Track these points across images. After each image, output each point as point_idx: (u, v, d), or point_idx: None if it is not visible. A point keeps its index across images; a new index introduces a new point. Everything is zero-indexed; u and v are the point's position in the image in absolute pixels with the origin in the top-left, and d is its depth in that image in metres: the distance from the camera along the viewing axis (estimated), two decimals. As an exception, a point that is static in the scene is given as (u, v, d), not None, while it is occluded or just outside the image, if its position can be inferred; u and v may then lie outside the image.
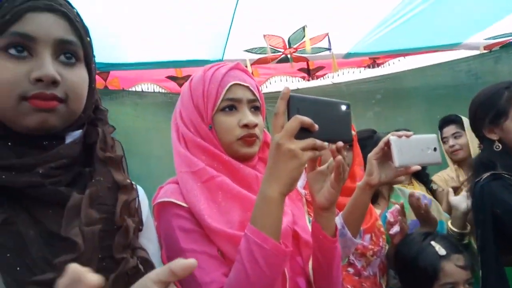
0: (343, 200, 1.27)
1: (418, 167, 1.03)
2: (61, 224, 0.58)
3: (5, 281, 0.54)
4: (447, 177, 2.26)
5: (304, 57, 3.10)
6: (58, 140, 0.64)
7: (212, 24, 2.44)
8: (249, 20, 2.47)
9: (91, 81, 0.69)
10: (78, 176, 0.65)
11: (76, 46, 0.65)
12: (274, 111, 0.71)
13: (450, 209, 1.72)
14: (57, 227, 0.58)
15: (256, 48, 2.89)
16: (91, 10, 0.64)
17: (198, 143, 0.90)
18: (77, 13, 0.67)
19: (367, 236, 1.39)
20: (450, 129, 2.27)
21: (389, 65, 3.33)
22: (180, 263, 0.47)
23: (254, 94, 0.93)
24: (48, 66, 0.60)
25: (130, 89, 2.90)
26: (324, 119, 0.73)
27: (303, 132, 0.70)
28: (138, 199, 0.73)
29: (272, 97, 2.82)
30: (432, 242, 1.27)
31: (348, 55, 3.12)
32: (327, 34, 2.79)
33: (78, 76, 0.65)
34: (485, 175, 1.31)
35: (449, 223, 1.64)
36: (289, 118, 0.70)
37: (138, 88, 2.92)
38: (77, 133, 0.68)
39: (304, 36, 2.74)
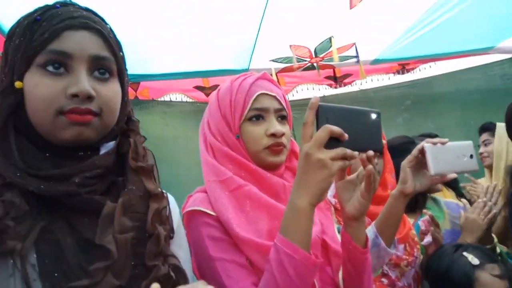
0: (375, 209, 1.24)
1: (455, 175, 1.00)
2: (96, 232, 0.60)
3: (44, 286, 0.56)
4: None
5: (330, 65, 3.08)
6: (93, 151, 0.67)
7: (239, 35, 2.47)
8: (275, 31, 2.49)
9: (124, 94, 0.72)
10: (112, 185, 0.67)
11: (109, 62, 0.67)
12: (303, 121, 0.71)
13: None
14: (92, 234, 0.60)
15: (282, 58, 2.90)
16: (122, 25, 0.66)
17: (226, 152, 0.91)
18: (110, 29, 0.70)
19: (401, 246, 1.35)
20: (483, 137, 2.33)
21: (419, 70, 3.25)
22: None
23: (281, 104, 0.93)
24: (84, 82, 0.62)
25: (159, 99, 2.98)
26: (354, 128, 0.72)
27: (333, 141, 0.69)
28: (169, 207, 0.74)
29: (299, 104, 2.84)
30: (464, 253, 1.22)
31: (376, 61, 3.07)
32: (354, 44, 2.77)
33: (111, 90, 0.67)
34: None
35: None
36: (318, 127, 0.70)
37: (166, 98, 3.00)
38: (111, 144, 0.70)
39: (331, 46, 2.74)
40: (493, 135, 2.20)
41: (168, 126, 2.88)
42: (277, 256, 0.71)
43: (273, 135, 0.89)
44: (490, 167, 2.23)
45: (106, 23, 0.70)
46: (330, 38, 2.69)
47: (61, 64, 0.62)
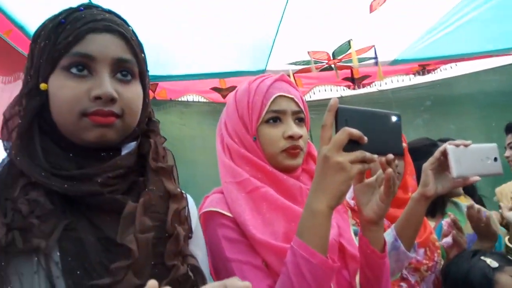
0: (395, 212, 1.22)
1: (478, 178, 0.97)
2: (117, 230, 0.61)
3: (66, 283, 0.57)
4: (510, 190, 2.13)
5: (348, 66, 3.05)
6: (114, 151, 0.68)
7: (257, 37, 2.48)
8: (294, 36, 2.49)
9: (145, 95, 0.73)
10: (133, 185, 0.68)
11: (131, 64, 0.68)
12: (322, 123, 0.70)
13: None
14: (114, 233, 0.61)
15: (299, 61, 2.90)
16: (141, 26, 0.68)
17: (242, 154, 0.91)
18: (132, 31, 0.71)
19: (421, 250, 1.32)
20: (509, 138, 2.16)
21: (440, 71, 3.18)
22: (236, 284, 0.48)
23: (298, 106, 0.93)
24: (107, 85, 0.63)
25: (176, 99, 3.02)
26: (374, 131, 0.70)
27: (352, 144, 0.68)
28: (188, 208, 0.74)
29: (316, 105, 2.83)
30: (482, 257, 1.20)
31: (395, 62, 3.03)
32: (373, 46, 2.75)
33: (133, 92, 0.68)
34: None
35: (506, 239, 1.52)
36: (337, 130, 0.69)
37: (184, 99, 3.03)
38: (132, 144, 0.71)
39: (349, 49, 2.72)
40: None
41: (185, 126, 2.91)
42: (293, 259, 0.70)
43: (290, 137, 0.89)
44: None
45: (129, 25, 0.71)
46: (349, 41, 2.68)
47: (85, 66, 0.64)
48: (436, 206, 1.56)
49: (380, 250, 0.83)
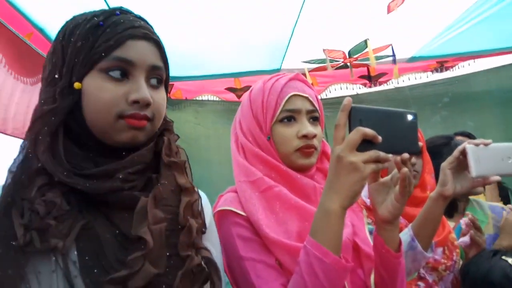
0: (413, 210, 1.21)
1: (498, 178, 0.94)
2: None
3: (84, 282, 0.58)
4: None
5: (364, 64, 3.02)
6: (132, 150, 0.70)
7: (272, 36, 2.48)
8: (309, 35, 2.48)
9: (166, 99, 0.76)
10: (148, 181, 0.70)
11: (162, 71, 0.71)
12: (335, 123, 0.70)
13: None
14: (130, 230, 0.62)
15: (314, 60, 2.89)
16: (158, 29, 0.70)
17: (256, 153, 0.91)
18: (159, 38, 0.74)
19: (439, 250, 1.30)
20: None
21: (458, 68, 3.11)
22: None
23: (313, 105, 0.92)
24: (145, 90, 0.66)
25: (191, 99, 3.04)
26: (388, 130, 0.70)
27: (366, 144, 0.68)
28: (201, 203, 0.75)
29: (331, 103, 2.81)
30: (503, 257, 1.17)
31: (413, 59, 2.98)
32: (390, 45, 2.72)
33: (162, 98, 0.71)
34: None
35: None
36: (350, 129, 0.68)
37: (199, 98, 3.05)
38: (150, 143, 0.73)
39: (365, 48, 2.69)
40: None
41: (200, 125, 2.93)
42: (307, 258, 0.70)
43: (304, 136, 0.89)
44: None
45: (155, 32, 0.73)
46: (365, 41, 2.66)
47: (123, 70, 0.66)
48: (454, 205, 1.53)
49: (395, 249, 0.82)
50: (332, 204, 0.69)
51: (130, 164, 0.66)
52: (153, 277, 0.59)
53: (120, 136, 0.66)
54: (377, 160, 0.68)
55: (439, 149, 1.49)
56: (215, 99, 3.06)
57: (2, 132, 1.78)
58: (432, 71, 3.14)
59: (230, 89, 3.06)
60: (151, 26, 0.73)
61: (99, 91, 0.64)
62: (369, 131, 0.67)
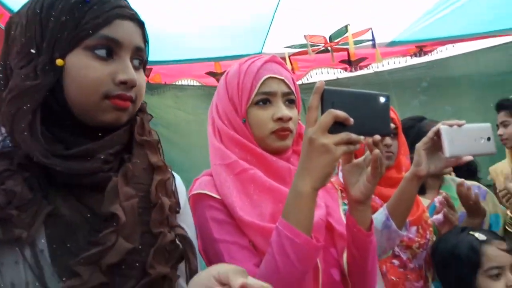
0: (388, 191, 1.24)
1: (470, 158, 0.98)
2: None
3: (54, 269, 0.58)
4: (504, 169, 2.11)
5: (345, 48, 3.03)
6: (109, 131, 0.69)
7: (253, 21, 2.45)
8: (290, 21, 2.47)
9: None
10: (122, 162, 0.69)
11: (144, 53, 0.70)
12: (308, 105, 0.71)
13: None
14: (102, 209, 0.62)
15: (296, 44, 2.88)
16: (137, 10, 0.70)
17: (232, 136, 0.91)
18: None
19: (413, 228, 1.34)
20: (500, 116, 2.11)
21: (437, 53, 3.16)
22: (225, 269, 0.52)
23: (289, 87, 0.92)
24: (132, 71, 0.66)
25: (171, 84, 3.00)
26: (360, 112, 0.71)
27: (338, 126, 0.69)
28: (175, 182, 0.76)
29: (312, 87, 2.78)
30: (471, 232, 1.22)
31: (393, 43, 3.01)
32: (370, 29, 2.73)
33: (143, 79, 0.71)
34: None
35: (508, 212, 1.55)
36: (323, 112, 0.69)
37: (178, 83, 3.02)
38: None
39: (346, 33, 2.71)
40: (510, 114, 2.05)
41: (180, 110, 2.90)
42: (278, 239, 0.72)
43: (279, 119, 0.89)
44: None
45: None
46: (346, 26, 2.68)
47: (109, 50, 0.64)
48: (424, 184, 1.58)
49: (367, 229, 0.84)
50: (304, 186, 0.70)
51: (110, 145, 0.66)
52: (127, 253, 0.59)
53: (105, 117, 0.65)
54: (348, 142, 0.69)
55: (406, 131, 1.52)
56: (195, 83, 3.03)
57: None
58: (411, 56, 3.18)
59: (211, 74, 3.03)
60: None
61: (85, 70, 0.63)
62: (340, 113, 0.68)
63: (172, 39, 2.55)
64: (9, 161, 0.61)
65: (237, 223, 0.83)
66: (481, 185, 1.68)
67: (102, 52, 0.64)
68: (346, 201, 1.15)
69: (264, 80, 0.90)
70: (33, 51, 0.63)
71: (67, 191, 0.63)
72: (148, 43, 0.72)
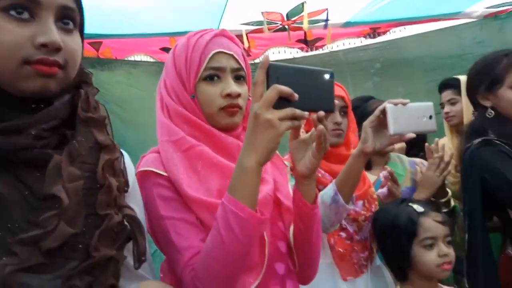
0: (338, 167, 1.29)
1: (413, 135, 1.03)
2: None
3: None
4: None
5: (301, 27, 3.05)
6: (45, 104, 0.64)
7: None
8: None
9: (82, 47, 0.70)
10: (63, 139, 0.65)
11: (75, 13, 0.65)
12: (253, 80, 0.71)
13: None
14: (42, 189, 0.59)
15: (253, 21, 2.85)
16: None
17: (180, 112, 0.90)
18: None
19: (360, 202, 1.40)
20: (447, 94, 2.19)
21: (390, 33, 3.25)
22: None
23: (238, 63, 0.91)
24: (54, 33, 0.60)
25: (123, 59, 2.88)
26: (305, 88, 0.71)
27: (283, 101, 0.69)
28: (124, 161, 0.73)
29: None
30: (410, 203, 1.29)
31: (348, 24, 3.06)
32: (326, 9, 2.74)
33: (76, 43, 0.65)
34: (476, 141, 1.31)
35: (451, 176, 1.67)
36: (268, 87, 0.69)
37: (131, 59, 2.90)
38: (65, 96, 0.68)
39: (303, 11, 2.70)
40: (458, 93, 2.11)
41: (133, 87, 2.79)
42: (223, 214, 0.72)
43: (228, 95, 0.88)
44: (456, 127, 2.12)
45: None
46: (302, 4, 2.67)
47: (26, 9, 0.59)
48: (369, 160, 1.66)
49: (311, 202, 0.86)
50: (249, 161, 0.71)
51: (45, 119, 0.61)
52: (69, 237, 0.57)
53: (27, 84, 0.60)
54: (293, 118, 0.70)
55: (353, 110, 1.57)
56: (148, 59, 2.92)
57: None
58: (365, 37, 3.25)
59: (165, 49, 2.93)
60: None
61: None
62: (285, 88, 0.68)
63: (124, 12, 2.43)
64: None
65: (184, 200, 0.83)
66: (424, 162, 1.79)
67: (17, 13, 0.58)
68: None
69: (213, 55, 0.88)
70: None
71: (3, 168, 0.59)
72: (81, 3, 0.66)
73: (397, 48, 3.21)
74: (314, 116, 0.76)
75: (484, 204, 1.31)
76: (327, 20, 2.82)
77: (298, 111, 0.70)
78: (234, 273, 0.76)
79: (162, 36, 2.82)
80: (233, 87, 0.88)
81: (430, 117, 1.02)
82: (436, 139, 1.62)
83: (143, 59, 2.92)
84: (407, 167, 1.72)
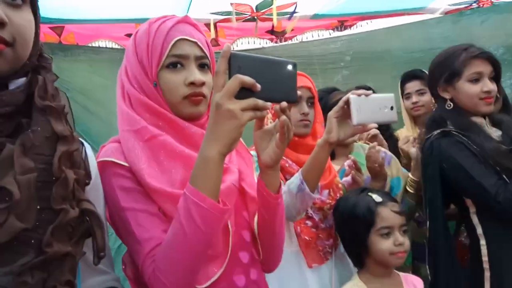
0: (305, 157, 1.31)
1: (375, 125, 1.06)
2: None
3: None
4: (403, 135, 2.28)
5: (271, 18, 3.05)
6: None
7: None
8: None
9: (37, 26, 0.66)
10: (18, 127, 0.62)
11: None
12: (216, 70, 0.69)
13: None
14: None
15: (222, 11, 2.82)
16: None
17: (142, 101, 0.87)
18: None
19: (325, 192, 1.43)
20: (414, 85, 2.19)
21: (356, 27, 3.31)
22: None
23: (202, 51, 0.89)
24: None
25: (86, 45, 2.77)
26: (268, 79, 0.70)
27: (245, 91, 0.68)
28: (85, 151, 0.71)
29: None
30: (369, 193, 1.33)
31: (316, 16, 3.09)
32: (295, 3, 2.75)
33: (25, 19, 0.62)
34: (436, 132, 1.36)
35: (409, 174, 1.73)
36: (230, 77, 0.68)
37: (95, 45, 2.80)
38: (21, 80, 0.64)
39: (272, 4, 2.70)
40: (426, 84, 2.00)
41: (96, 74, 2.68)
42: (185, 205, 0.71)
43: (192, 84, 0.86)
44: (420, 118, 2.11)
45: None
46: None
47: None
48: (339, 151, 1.70)
49: (275, 191, 0.87)
50: (211, 151, 0.70)
51: None
52: (20, 232, 0.55)
53: None
54: (255, 108, 0.69)
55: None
56: (113, 45, 2.83)
57: None
58: (333, 29, 3.29)
59: (131, 36, 2.85)
60: None
61: None
62: (247, 79, 0.67)
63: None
64: None
65: (146, 191, 0.81)
66: (388, 151, 1.84)
67: None
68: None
69: (176, 42, 0.86)
70: None
71: None
72: None
73: (367, 41, 3.20)
74: (277, 107, 0.76)
75: (443, 193, 1.36)
76: (293, 12, 2.83)
77: (260, 102, 0.69)
78: (196, 264, 0.75)
79: (127, 23, 2.73)
80: (197, 75, 0.86)
81: (391, 108, 1.05)
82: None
83: (107, 45, 2.82)
84: None
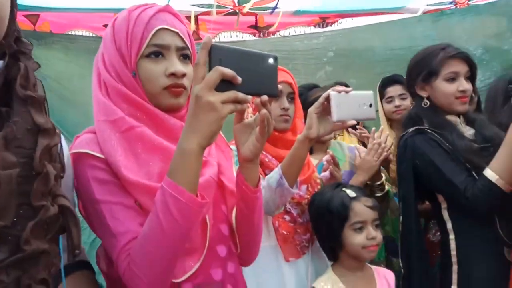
0: (284, 152, 1.31)
1: (354, 122, 1.08)
2: None
3: None
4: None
5: (253, 13, 3.04)
6: None
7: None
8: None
9: (13, 5, 0.62)
10: None
11: None
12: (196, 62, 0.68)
13: None
14: None
15: (204, 4, 2.79)
16: None
17: (120, 90, 0.84)
18: None
19: (304, 187, 1.45)
20: (396, 89, 2.23)
21: (337, 24, 3.34)
22: None
23: (184, 41, 0.87)
24: None
25: (61, 34, 2.69)
26: (249, 72, 0.70)
27: (225, 84, 0.67)
28: (61, 144, 0.68)
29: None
30: (343, 189, 1.36)
31: (297, 12, 3.10)
32: (277, -1, 2.77)
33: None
34: (411, 129, 1.39)
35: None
36: (210, 69, 0.67)
37: (71, 33, 2.72)
38: None
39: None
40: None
41: (72, 63, 2.60)
42: (162, 198, 0.70)
43: (172, 75, 0.84)
44: (397, 121, 2.16)
45: None
46: None
47: None
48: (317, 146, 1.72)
49: (254, 185, 0.86)
50: (190, 144, 0.69)
51: None
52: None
53: None
54: (236, 101, 0.68)
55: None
56: (90, 35, 2.76)
57: None
58: (315, 26, 3.31)
59: (109, 26, 2.80)
60: None
61: None
62: (228, 71, 0.66)
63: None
64: None
65: (122, 183, 0.79)
66: (359, 146, 1.89)
67: None
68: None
69: (156, 31, 0.84)
70: None
71: None
72: None
73: (349, 37, 3.18)
74: (257, 100, 0.75)
75: (416, 189, 1.40)
76: (275, 7, 2.83)
77: (241, 95, 0.68)
78: (173, 258, 0.74)
79: (105, 12, 2.67)
80: (178, 66, 0.85)
81: (370, 105, 1.06)
82: (373, 128, 1.71)
83: (83, 35, 2.74)
84: (346, 153, 1.80)
